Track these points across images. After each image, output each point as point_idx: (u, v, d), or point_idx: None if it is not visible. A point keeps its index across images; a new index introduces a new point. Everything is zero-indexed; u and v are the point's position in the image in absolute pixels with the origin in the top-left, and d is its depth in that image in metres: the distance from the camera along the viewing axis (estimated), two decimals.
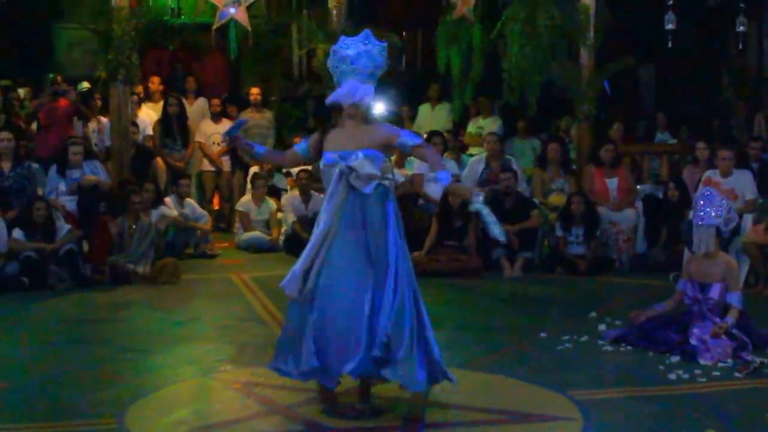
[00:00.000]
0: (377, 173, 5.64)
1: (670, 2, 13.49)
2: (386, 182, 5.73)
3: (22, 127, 12.79)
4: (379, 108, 16.90)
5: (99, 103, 13.05)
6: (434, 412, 5.95)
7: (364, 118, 5.79)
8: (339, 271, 5.53)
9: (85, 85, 13.59)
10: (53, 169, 11.27)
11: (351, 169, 5.62)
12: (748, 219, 10.42)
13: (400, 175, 12.20)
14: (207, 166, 14.27)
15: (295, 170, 13.24)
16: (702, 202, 7.50)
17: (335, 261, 5.54)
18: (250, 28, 13.47)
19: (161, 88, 14.64)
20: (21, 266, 10.15)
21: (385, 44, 5.85)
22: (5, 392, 6.40)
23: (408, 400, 5.79)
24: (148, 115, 14.12)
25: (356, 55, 5.71)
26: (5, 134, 11.14)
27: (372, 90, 5.78)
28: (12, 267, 10.15)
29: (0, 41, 15.20)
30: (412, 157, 12.51)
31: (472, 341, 7.86)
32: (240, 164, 14.27)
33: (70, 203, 11.17)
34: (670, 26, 13.56)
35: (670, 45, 13.78)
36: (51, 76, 12.97)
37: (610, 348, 7.55)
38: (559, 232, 11.34)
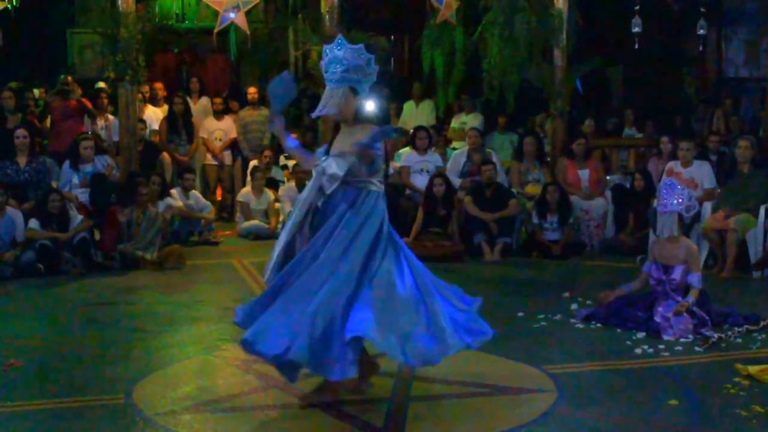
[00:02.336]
0: (340, 174, 5.36)
1: (637, 8, 13.49)
2: (360, 185, 5.43)
3: (37, 125, 12.74)
4: (370, 106, 16.99)
5: (106, 101, 13.02)
6: (419, 386, 5.96)
7: (354, 121, 5.54)
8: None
9: (101, 85, 13.53)
10: (66, 163, 11.22)
11: (324, 170, 5.44)
12: (708, 206, 10.42)
13: (389, 167, 12.20)
14: (210, 159, 14.24)
15: (291, 163, 13.24)
16: (665, 191, 7.52)
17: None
18: (249, 32, 13.42)
19: (165, 93, 14.59)
20: (37, 254, 10.10)
21: (361, 46, 5.50)
22: (22, 370, 6.38)
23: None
24: (154, 112, 14.09)
25: (328, 63, 5.48)
26: (21, 131, 11.09)
27: (337, 93, 5.43)
28: (28, 254, 10.11)
29: (18, 45, 15.14)
30: (399, 151, 12.55)
31: None
32: (241, 158, 14.26)
33: (82, 195, 11.11)
34: (636, 30, 13.56)
35: (636, 47, 13.79)
36: (61, 76, 12.91)
37: (581, 325, 7.56)
38: (535, 219, 11.33)
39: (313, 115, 5.65)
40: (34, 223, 10.20)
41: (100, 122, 12.95)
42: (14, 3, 12.13)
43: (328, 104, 5.46)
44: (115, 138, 12.68)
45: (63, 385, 6.02)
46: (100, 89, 13.26)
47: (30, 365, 6.50)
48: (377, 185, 5.46)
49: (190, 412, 5.44)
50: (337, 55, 5.43)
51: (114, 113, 12.84)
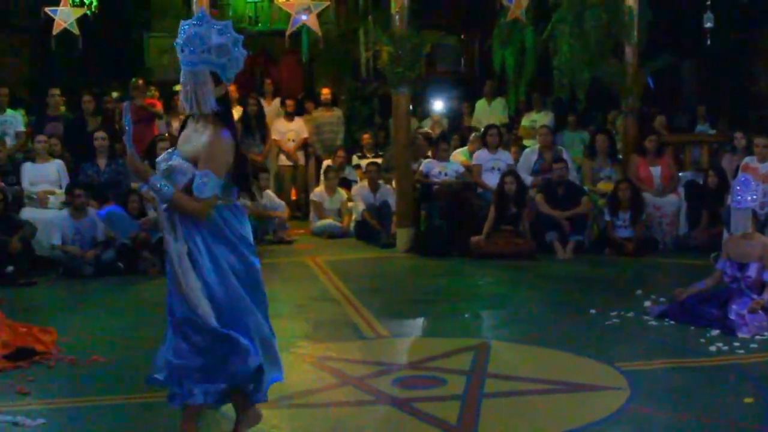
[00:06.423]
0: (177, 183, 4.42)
1: (708, 2, 13.31)
2: None
3: (116, 128, 12.95)
4: (438, 105, 16.99)
5: (179, 103, 13.20)
6: (494, 383, 5.95)
7: (205, 116, 4.48)
8: None
9: (178, 88, 13.74)
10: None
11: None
12: None
13: (459, 165, 12.19)
14: (284, 161, 14.36)
15: (364, 163, 13.31)
16: (739, 188, 7.43)
17: None
18: (320, 33, 13.52)
19: (237, 95, 14.73)
20: (117, 253, 10.30)
21: (228, 23, 4.50)
22: (105, 366, 6.51)
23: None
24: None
25: (185, 41, 4.37)
26: (101, 134, 11.32)
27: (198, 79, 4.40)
28: (109, 254, 10.30)
29: (97, 51, 15.42)
30: (464, 148, 12.53)
31: (527, 318, 7.84)
32: (314, 158, 14.40)
33: None
34: (708, 25, 13.37)
35: (708, 42, 13.59)
36: (133, 80, 13.12)
37: (654, 323, 7.49)
38: (607, 217, 11.25)
39: (187, 109, 4.55)
40: None
41: (175, 124, 13.14)
42: (93, 9, 12.36)
43: (187, 96, 4.43)
44: None
45: (141, 380, 6.11)
46: (176, 92, 13.45)
47: (110, 361, 6.63)
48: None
49: (264, 408, 5.48)
50: (197, 32, 4.37)
51: None
